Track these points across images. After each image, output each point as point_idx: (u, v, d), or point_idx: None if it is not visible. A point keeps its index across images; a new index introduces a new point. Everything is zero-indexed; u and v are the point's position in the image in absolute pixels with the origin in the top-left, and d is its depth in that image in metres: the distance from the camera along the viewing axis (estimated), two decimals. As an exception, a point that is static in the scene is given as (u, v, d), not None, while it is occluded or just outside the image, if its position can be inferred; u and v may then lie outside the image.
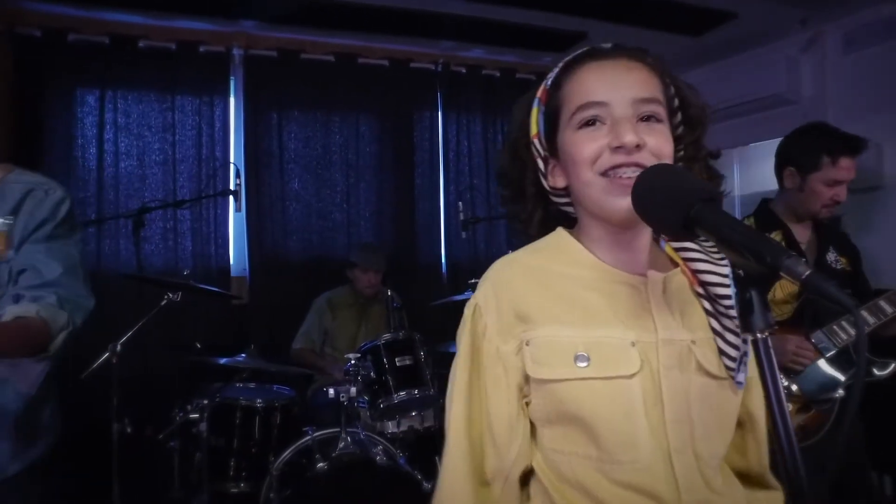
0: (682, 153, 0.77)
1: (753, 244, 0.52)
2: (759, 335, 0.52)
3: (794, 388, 1.67)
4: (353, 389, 2.11)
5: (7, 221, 0.92)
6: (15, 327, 1.06)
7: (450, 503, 0.71)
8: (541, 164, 0.79)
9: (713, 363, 0.70)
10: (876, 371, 1.68)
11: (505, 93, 3.83)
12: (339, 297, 3.08)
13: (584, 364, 0.68)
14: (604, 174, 0.70)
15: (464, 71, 3.76)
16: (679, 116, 0.77)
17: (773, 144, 1.95)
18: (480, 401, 0.72)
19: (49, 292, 1.15)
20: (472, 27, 3.39)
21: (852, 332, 1.67)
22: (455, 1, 3.08)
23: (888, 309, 1.66)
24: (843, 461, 1.75)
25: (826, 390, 1.66)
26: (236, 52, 3.35)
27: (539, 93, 0.79)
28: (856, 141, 1.78)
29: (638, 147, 0.68)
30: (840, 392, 1.67)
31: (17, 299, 1.13)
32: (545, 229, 0.81)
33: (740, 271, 0.54)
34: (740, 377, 0.69)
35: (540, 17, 3.27)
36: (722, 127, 3.97)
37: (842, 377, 1.68)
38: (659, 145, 0.70)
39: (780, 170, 1.87)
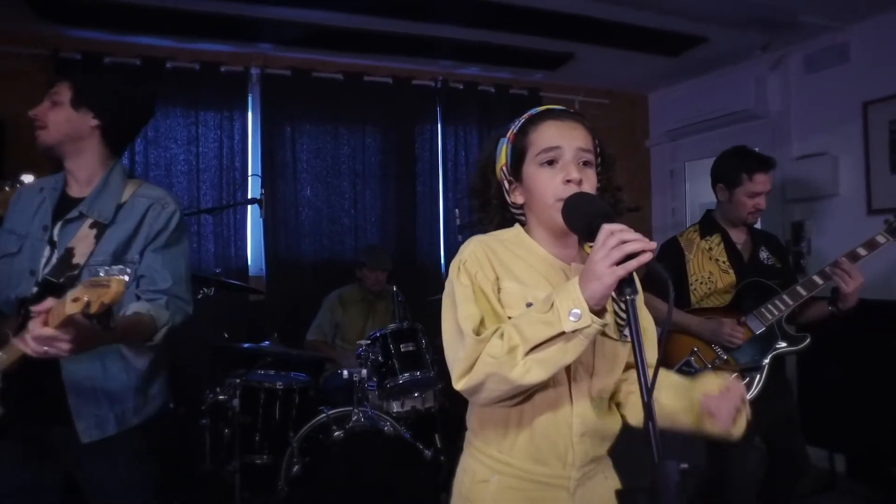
0: (599, 185, 1.10)
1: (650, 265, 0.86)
2: (627, 298, 0.85)
3: (731, 361, 2.02)
4: (364, 371, 2.44)
5: (128, 271, 1.18)
6: (133, 321, 1.37)
7: (496, 353, 0.94)
8: (506, 185, 1.12)
9: (611, 328, 1.03)
10: (792, 345, 2.03)
11: (499, 107, 4.14)
12: (349, 293, 3.40)
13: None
14: (559, 200, 1.03)
15: (461, 87, 4.07)
16: (599, 160, 1.11)
17: None
18: (480, 302, 1.02)
19: (160, 296, 1.46)
20: (469, 48, 3.70)
21: (776, 312, 2.04)
22: (452, 26, 3.40)
23: (803, 292, 2.02)
24: (774, 425, 2.09)
25: (755, 360, 2.02)
26: (254, 71, 3.67)
27: (508, 135, 1.11)
28: (767, 160, 2.17)
29: (580, 182, 1.03)
30: (766, 361, 2.03)
31: (137, 297, 1.45)
32: (499, 228, 1.16)
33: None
34: (626, 332, 1.04)
35: (531, 40, 3.59)
36: (701, 138, 4.31)
37: (768, 350, 2.05)
38: (591, 182, 1.06)
39: (714, 186, 2.26)
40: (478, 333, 0.97)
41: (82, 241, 1.43)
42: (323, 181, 3.78)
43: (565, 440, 1.04)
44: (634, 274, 0.87)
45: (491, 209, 1.15)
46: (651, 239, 3.20)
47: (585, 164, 1.06)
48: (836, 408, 3.07)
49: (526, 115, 1.12)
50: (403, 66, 3.95)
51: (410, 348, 2.61)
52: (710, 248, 2.20)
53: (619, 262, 0.84)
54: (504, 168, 1.12)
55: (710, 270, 2.17)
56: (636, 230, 0.86)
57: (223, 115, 3.60)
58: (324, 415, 2.49)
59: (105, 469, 1.46)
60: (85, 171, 1.51)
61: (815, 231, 3.61)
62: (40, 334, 1.16)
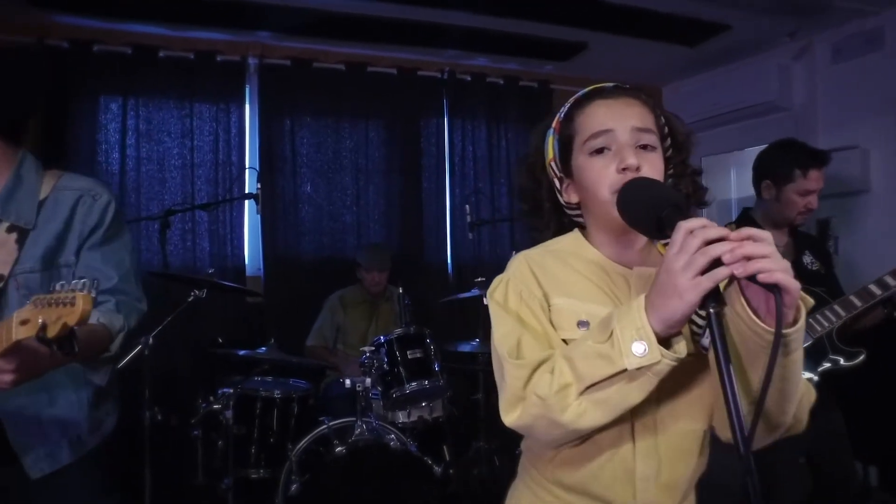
0: (671, 171, 0.92)
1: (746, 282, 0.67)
2: (711, 310, 0.66)
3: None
4: (368, 380, 2.26)
5: (95, 284, 0.99)
6: (86, 334, 1.16)
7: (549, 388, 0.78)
8: (557, 183, 0.95)
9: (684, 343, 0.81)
10: (844, 361, 1.84)
11: (508, 100, 3.97)
12: (351, 295, 3.22)
13: (584, 329, 0.84)
14: (615, 192, 0.85)
15: (469, 79, 3.90)
16: (668, 141, 0.92)
17: None
18: (529, 323, 0.86)
19: (107, 297, 1.28)
20: (477, 37, 3.53)
21: (826, 325, 1.83)
22: (460, 12, 3.22)
23: (857, 302, 1.82)
24: (823, 447, 1.90)
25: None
26: (251, 61, 3.49)
27: (554, 124, 0.95)
28: (822, 154, 1.97)
29: (638, 169, 0.84)
30: (815, 379, 1.82)
31: None
32: (557, 235, 0.99)
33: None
34: (704, 341, 0.75)
35: (542, 28, 3.41)
36: (718, 132, 4.12)
37: (816, 366, 1.84)
38: (655, 168, 0.86)
39: (757, 182, 2.05)
40: (515, 355, 0.82)
41: (2, 249, 1.24)
42: (324, 176, 3.61)
43: (624, 488, 0.85)
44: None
45: (544, 213, 0.98)
46: None
47: (645, 147, 0.87)
48: (870, 419, 2.89)
49: (572, 99, 0.94)
50: (408, 56, 3.77)
51: (418, 355, 2.43)
52: None
53: (705, 271, 0.65)
54: (553, 163, 0.95)
55: None
56: None
57: (219, 107, 3.43)
58: (325, 426, 2.32)
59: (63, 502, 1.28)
60: None
61: (844, 229, 3.42)
62: None
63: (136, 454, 2.19)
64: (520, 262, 0.92)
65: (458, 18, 3.29)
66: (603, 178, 0.86)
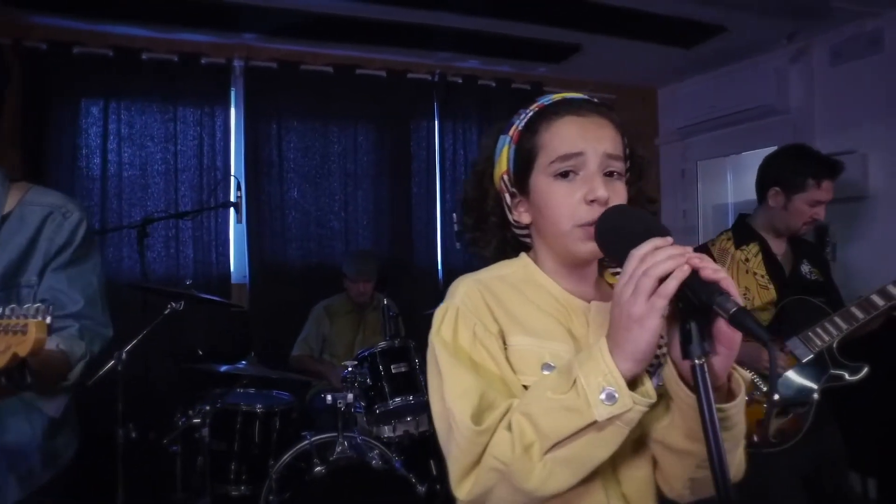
0: (628, 198, 0.84)
1: (692, 281, 0.60)
2: (696, 361, 0.60)
3: (776, 395, 1.74)
4: (350, 395, 2.18)
5: (50, 310, 0.91)
6: (38, 362, 1.10)
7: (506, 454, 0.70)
8: (508, 198, 0.86)
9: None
10: (848, 376, 1.76)
11: (501, 103, 3.88)
12: (337, 304, 3.14)
13: (549, 372, 0.75)
14: (579, 226, 0.77)
15: (460, 81, 3.82)
16: (628, 164, 0.85)
17: (764, 154, 2.03)
18: (483, 368, 0.75)
19: (70, 322, 1.19)
20: (468, 39, 3.46)
21: (827, 338, 1.76)
22: (451, 14, 3.15)
23: (859, 314, 1.75)
24: (821, 465, 1.82)
25: (802, 395, 1.74)
26: (237, 63, 3.41)
27: (511, 132, 0.85)
28: (837, 165, 1.88)
29: (607, 201, 0.76)
30: (815, 396, 1.74)
31: None
32: (500, 254, 0.89)
33: (680, 304, 0.62)
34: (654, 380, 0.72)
35: (534, 30, 3.34)
36: (715, 136, 4.06)
37: (817, 382, 1.76)
38: (621, 198, 0.79)
39: (764, 188, 1.95)
40: (477, 420, 0.70)
41: None
42: (311, 182, 3.53)
43: None
44: (692, 327, 0.61)
45: (488, 227, 0.89)
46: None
47: (612, 174, 0.79)
48: (868, 430, 2.82)
49: (536, 106, 0.85)
50: (398, 58, 3.69)
51: (402, 369, 2.35)
52: (747, 260, 1.92)
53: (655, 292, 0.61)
54: (505, 177, 0.85)
55: (746, 286, 1.89)
56: None
57: (203, 110, 3.35)
58: (306, 442, 2.24)
59: None
60: None
61: (842, 235, 3.35)
62: None
63: (110, 472, 2.12)
64: (469, 289, 0.81)
65: (448, 20, 3.22)
66: (566, 207, 0.78)
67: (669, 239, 0.64)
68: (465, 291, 0.80)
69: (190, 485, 2.41)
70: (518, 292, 0.82)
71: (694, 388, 0.61)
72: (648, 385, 0.66)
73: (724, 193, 4.30)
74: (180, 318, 2.39)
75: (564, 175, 0.79)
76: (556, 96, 0.85)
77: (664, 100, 4.50)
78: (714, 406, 0.59)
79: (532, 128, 0.82)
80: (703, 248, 2.02)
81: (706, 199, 4.25)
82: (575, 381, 0.66)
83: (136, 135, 3.25)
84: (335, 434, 2.19)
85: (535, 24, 3.26)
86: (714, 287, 0.59)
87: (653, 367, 0.70)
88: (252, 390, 2.66)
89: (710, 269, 0.61)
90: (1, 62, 1.27)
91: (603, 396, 0.63)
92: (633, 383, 0.65)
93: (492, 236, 0.89)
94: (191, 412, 2.35)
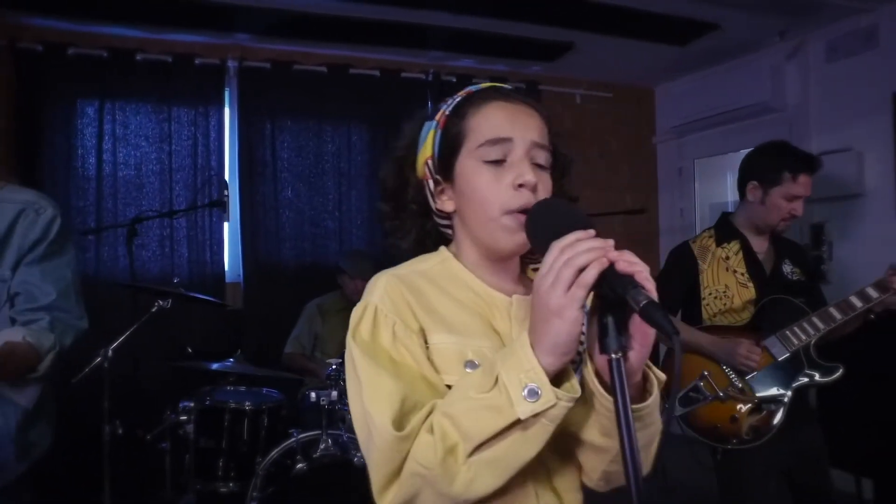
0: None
1: (609, 273, 0.59)
2: (612, 356, 0.59)
3: (748, 391, 1.74)
4: (335, 393, 2.17)
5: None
6: (4, 354, 1.12)
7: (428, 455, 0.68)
8: (431, 185, 0.83)
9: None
10: (818, 377, 1.75)
11: (495, 101, 3.90)
12: (329, 302, 3.15)
13: (472, 371, 0.73)
14: (507, 213, 0.76)
15: (454, 80, 3.81)
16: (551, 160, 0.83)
17: None
18: (403, 369, 0.73)
19: (42, 315, 1.22)
20: (462, 37, 3.46)
21: (804, 337, 1.75)
22: (444, 13, 3.16)
23: (837, 315, 1.73)
24: (801, 463, 1.81)
25: (777, 392, 1.73)
26: (231, 63, 3.44)
27: (438, 117, 0.83)
28: (814, 159, 1.87)
29: (535, 188, 0.76)
30: (789, 394, 1.73)
31: (12, 321, 1.20)
32: (419, 245, 0.87)
33: (598, 298, 0.62)
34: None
35: (527, 28, 3.33)
36: (711, 134, 4.04)
37: (791, 381, 1.75)
38: (545, 191, 0.78)
39: (743, 183, 1.95)
40: (399, 425, 0.67)
41: None
42: (305, 181, 3.54)
43: None
44: (611, 324, 0.61)
45: (406, 216, 0.85)
46: (658, 244, 2.84)
47: (539, 166, 0.79)
48: (863, 430, 2.79)
49: (464, 92, 0.84)
50: (392, 57, 3.71)
51: (387, 366, 2.35)
52: (727, 258, 1.91)
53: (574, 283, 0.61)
54: (430, 162, 0.83)
55: (726, 283, 1.89)
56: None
57: (198, 110, 3.37)
58: (293, 439, 2.24)
59: None
60: None
61: (838, 234, 3.32)
62: None
63: (96, 468, 2.14)
64: (388, 285, 0.77)
65: (441, 19, 3.22)
66: (494, 192, 0.76)
67: (592, 231, 0.63)
68: (384, 288, 0.77)
69: (178, 482, 2.43)
70: (438, 288, 0.79)
71: (610, 384, 0.60)
72: (573, 380, 0.65)
73: (723, 192, 4.27)
74: (174, 316, 2.41)
75: (493, 162, 0.78)
76: (485, 84, 0.85)
77: (661, 98, 4.48)
78: (629, 401, 0.58)
79: (459, 112, 0.81)
80: (683, 246, 2.01)
81: (704, 198, 4.22)
82: (497, 379, 0.64)
83: (130, 135, 3.28)
84: (319, 432, 2.19)
85: (527, 23, 3.26)
86: (628, 280, 0.59)
87: (575, 363, 0.69)
88: (242, 388, 2.66)
89: (626, 262, 0.60)
90: None
91: (525, 393, 0.62)
92: (558, 378, 0.64)
93: (411, 225, 0.86)
94: (178, 409, 2.37)
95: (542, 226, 0.69)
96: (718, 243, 1.94)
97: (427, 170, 0.83)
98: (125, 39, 3.26)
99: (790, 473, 1.82)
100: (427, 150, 0.83)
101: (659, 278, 2.00)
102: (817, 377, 1.74)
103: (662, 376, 0.68)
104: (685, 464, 1.95)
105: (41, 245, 1.26)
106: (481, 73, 3.89)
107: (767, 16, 3.12)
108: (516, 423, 0.63)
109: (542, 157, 0.79)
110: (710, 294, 1.90)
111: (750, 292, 1.85)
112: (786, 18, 3.17)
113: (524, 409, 0.62)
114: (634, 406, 0.63)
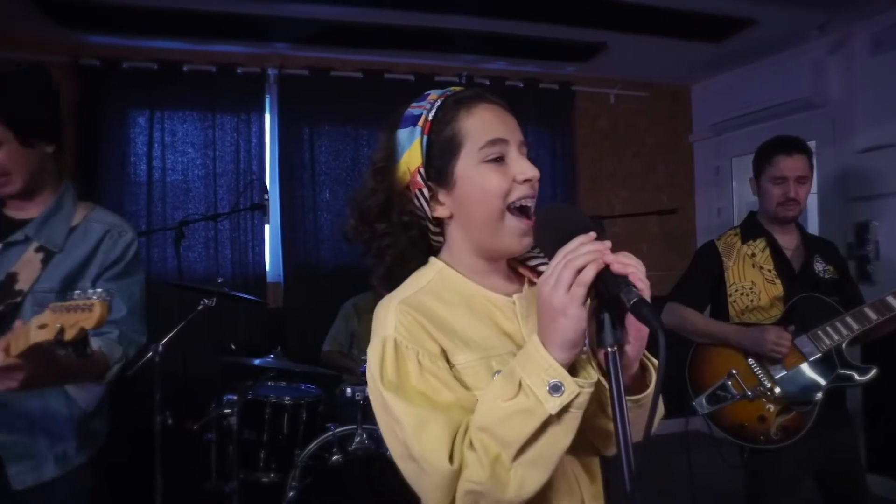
0: None
1: (605, 274, 0.64)
2: (608, 349, 0.64)
3: (777, 390, 1.73)
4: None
5: (107, 294, 1.06)
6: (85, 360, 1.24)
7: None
8: (425, 192, 0.82)
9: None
10: (857, 377, 1.72)
11: (529, 102, 3.91)
12: (365, 302, 3.24)
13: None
14: (512, 207, 0.80)
15: (487, 82, 3.87)
16: None
17: None
18: (446, 401, 0.74)
19: (112, 328, 1.34)
20: (494, 40, 3.50)
21: (836, 337, 1.72)
22: (474, 18, 3.20)
23: (872, 316, 1.70)
24: (835, 468, 1.79)
25: (807, 393, 1.71)
26: (271, 71, 3.57)
27: (420, 123, 0.83)
28: (789, 140, 1.91)
29: (538, 180, 0.81)
30: (819, 395, 1.71)
31: None
32: (407, 255, 0.85)
33: (596, 297, 0.67)
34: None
35: (558, 30, 3.35)
36: (750, 131, 3.95)
37: (823, 381, 1.73)
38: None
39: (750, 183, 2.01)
40: (451, 458, 0.70)
41: (26, 267, 1.32)
42: (342, 184, 3.65)
43: None
44: (608, 317, 0.67)
45: (392, 230, 0.84)
46: (695, 241, 2.88)
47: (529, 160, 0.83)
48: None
49: (439, 97, 0.84)
50: (426, 61, 3.78)
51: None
52: (754, 255, 1.91)
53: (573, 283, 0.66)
54: (420, 170, 0.82)
55: (752, 280, 1.89)
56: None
57: (240, 117, 3.52)
58: (330, 433, 2.34)
59: None
60: (32, 194, 1.39)
61: (884, 233, 3.21)
62: (2, 363, 1.06)
63: (148, 457, 2.28)
64: (399, 313, 0.77)
65: (473, 24, 3.27)
66: (499, 188, 0.79)
67: (592, 234, 0.67)
68: (397, 318, 0.77)
69: (223, 471, 2.56)
70: (444, 303, 0.81)
71: (606, 375, 0.65)
72: (588, 367, 0.70)
73: (762, 190, 4.18)
74: (219, 314, 2.54)
75: (495, 160, 0.80)
76: (454, 87, 0.87)
77: (698, 96, 4.41)
78: (623, 391, 0.63)
79: (446, 117, 0.82)
80: (708, 245, 2.02)
81: (741, 197, 4.14)
82: (520, 383, 0.68)
83: (178, 142, 3.45)
84: (355, 426, 2.28)
85: (558, 25, 3.27)
86: (622, 280, 0.64)
87: (584, 354, 0.73)
88: (283, 383, 2.77)
89: (620, 263, 0.65)
90: (49, 86, 1.44)
91: (549, 389, 0.66)
92: (573, 370, 0.69)
93: (401, 236, 0.84)
94: (222, 402, 2.50)
95: (552, 229, 0.74)
96: (744, 240, 1.94)
97: (418, 177, 0.83)
98: (173, 52, 3.43)
99: (823, 476, 1.81)
100: (415, 157, 0.82)
101: (684, 276, 2.03)
102: (856, 377, 1.72)
103: (654, 362, 0.72)
104: (713, 465, 1.95)
105: (119, 264, 1.40)
106: (514, 75, 3.93)
107: (805, 9, 3.04)
108: (549, 420, 0.68)
109: (527, 154, 0.84)
110: (735, 290, 1.90)
111: (777, 289, 1.85)
112: (825, 11, 3.09)
113: (553, 405, 0.66)
114: (635, 396, 0.68)
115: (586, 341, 0.70)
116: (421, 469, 0.72)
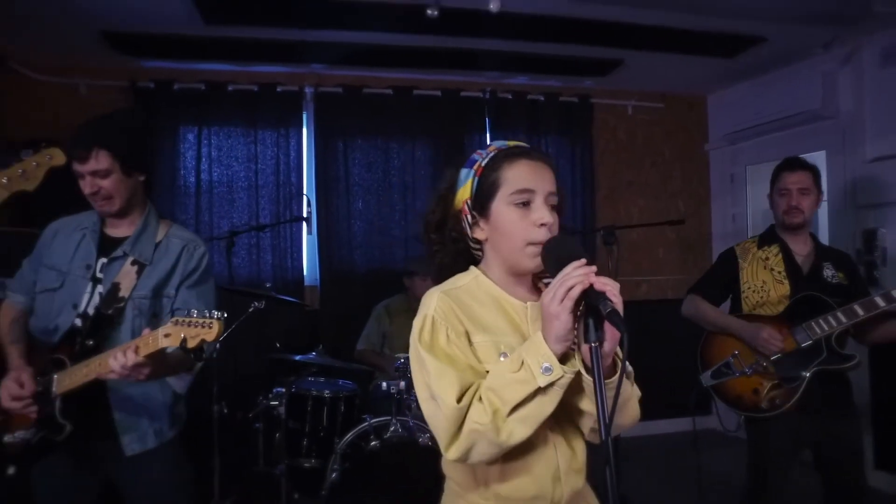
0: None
1: (590, 291, 0.88)
2: (592, 344, 0.88)
3: (771, 369, 2.05)
4: (403, 383, 2.50)
5: (222, 314, 1.34)
6: (180, 356, 1.53)
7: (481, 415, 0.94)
8: (469, 219, 1.08)
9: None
10: (842, 364, 2.01)
11: (549, 115, 4.13)
12: (396, 304, 3.48)
13: (504, 359, 1.01)
14: (529, 244, 1.04)
15: (510, 97, 4.08)
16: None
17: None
18: (457, 360, 0.98)
19: None
20: (516, 59, 3.71)
21: (826, 328, 1.99)
22: (498, 39, 3.41)
23: (860, 311, 1.94)
24: (830, 440, 2.02)
25: (796, 372, 2.02)
26: (308, 90, 3.85)
27: (475, 167, 1.08)
28: (791, 159, 2.23)
29: (551, 226, 1.04)
30: (807, 374, 2.00)
31: None
32: (454, 261, 1.13)
33: (582, 308, 0.91)
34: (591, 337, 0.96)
35: (576, 48, 3.54)
36: (763, 141, 4.10)
37: (810, 363, 2.02)
38: (556, 226, 1.06)
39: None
40: (459, 399, 0.95)
41: (126, 278, 1.60)
42: (374, 194, 3.91)
43: (554, 482, 1.04)
44: (601, 322, 0.89)
45: (446, 241, 1.12)
46: (711, 247, 3.26)
47: (552, 207, 1.06)
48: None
49: (494, 149, 1.09)
50: (452, 78, 4.01)
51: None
52: (767, 258, 2.20)
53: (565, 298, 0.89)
54: (469, 202, 1.08)
55: (763, 279, 2.17)
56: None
57: (280, 132, 3.80)
58: (366, 423, 2.59)
59: (146, 478, 1.62)
60: (125, 214, 1.65)
61: (891, 240, 3.34)
62: (134, 362, 1.35)
63: (209, 439, 2.57)
64: (440, 300, 1.03)
65: (497, 45, 3.48)
66: (521, 228, 1.03)
67: (583, 260, 0.91)
68: (437, 303, 1.03)
69: (270, 457, 2.83)
70: (475, 299, 1.06)
71: (589, 364, 0.89)
72: (574, 360, 0.94)
73: (776, 197, 4.30)
74: (261, 316, 2.82)
75: (521, 204, 1.04)
76: (511, 143, 1.11)
77: (713, 106, 4.55)
78: (602, 375, 0.86)
79: (494, 166, 1.06)
80: (729, 249, 2.32)
81: (756, 204, 4.27)
82: (522, 362, 0.92)
83: (223, 156, 3.75)
84: (389, 417, 2.52)
85: (577, 44, 3.46)
86: (601, 295, 0.87)
87: (573, 350, 0.97)
88: (322, 379, 3.03)
89: (601, 283, 0.88)
90: (145, 125, 1.73)
91: (542, 370, 0.90)
92: (564, 360, 0.93)
93: (451, 247, 1.11)
94: (269, 395, 2.77)
95: (554, 256, 0.98)
96: (760, 246, 2.24)
97: (466, 207, 1.08)
98: (218, 73, 3.73)
99: (823, 462, 2.03)
100: (466, 192, 1.08)
101: (706, 273, 2.40)
102: (841, 364, 2.00)
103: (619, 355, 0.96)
104: (724, 463, 2.20)
105: (195, 273, 1.66)
106: (535, 89, 4.13)
107: (812, 28, 3.19)
108: (538, 391, 0.92)
109: (554, 201, 1.07)
110: (748, 288, 2.20)
111: (785, 288, 2.12)
112: (832, 29, 3.23)
113: (543, 381, 0.91)
114: (607, 380, 0.91)
115: (576, 339, 0.94)
116: (437, 406, 0.96)
